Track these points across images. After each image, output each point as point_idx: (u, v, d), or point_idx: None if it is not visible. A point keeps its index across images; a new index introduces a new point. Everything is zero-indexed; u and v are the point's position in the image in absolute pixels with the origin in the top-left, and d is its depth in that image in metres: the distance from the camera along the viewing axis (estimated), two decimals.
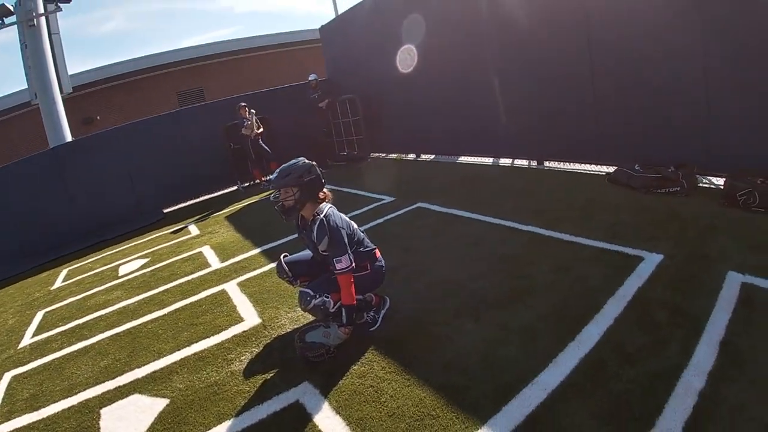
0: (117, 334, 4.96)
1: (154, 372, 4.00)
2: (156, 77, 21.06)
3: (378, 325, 3.95)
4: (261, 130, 11.47)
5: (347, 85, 12.66)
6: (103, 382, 4.03)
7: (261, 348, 4.04)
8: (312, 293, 3.60)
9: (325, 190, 3.89)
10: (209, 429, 3.15)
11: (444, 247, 5.42)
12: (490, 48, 8.36)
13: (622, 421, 2.47)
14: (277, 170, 3.75)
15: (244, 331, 4.38)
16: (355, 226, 3.96)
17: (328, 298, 3.61)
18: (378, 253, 4.01)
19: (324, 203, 3.82)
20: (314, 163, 3.85)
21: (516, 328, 3.52)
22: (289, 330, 4.24)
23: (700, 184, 5.61)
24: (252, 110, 11.30)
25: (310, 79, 12.32)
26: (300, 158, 3.85)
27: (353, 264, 3.63)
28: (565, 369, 2.95)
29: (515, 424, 2.63)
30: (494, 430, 2.63)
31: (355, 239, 3.84)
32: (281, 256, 4.10)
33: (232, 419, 3.20)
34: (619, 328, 3.23)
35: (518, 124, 8.23)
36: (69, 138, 12.72)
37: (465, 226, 5.90)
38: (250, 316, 4.66)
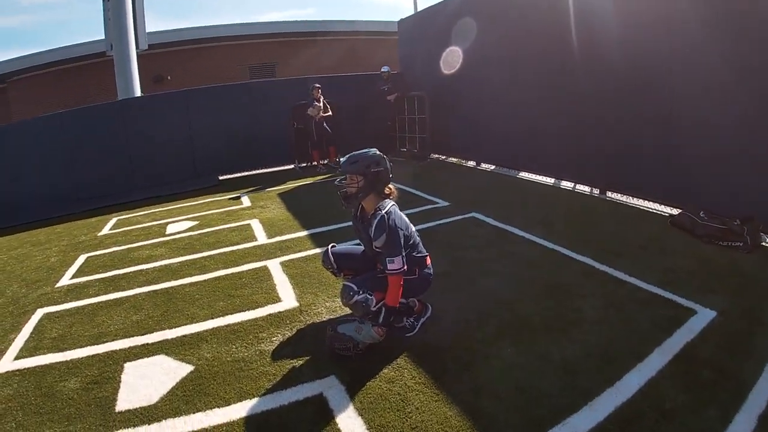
0: (154, 291, 4.96)
1: (184, 336, 3.96)
2: (229, 47, 21.27)
3: (415, 331, 3.80)
4: (329, 113, 11.43)
5: (417, 81, 12.48)
6: (132, 336, 4.02)
7: (293, 332, 3.94)
8: (356, 289, 3.47)
9: (391, 186, 3.79)
10: (229, 404, 3.07)
11: (493, 262, 5.20)
12: (567, 66, 8.06)
13: None
14: (348, 156, 3.67)
15: (279, 312, 4.30)
16: (413, 229, 3.83)
17: (371, 296, 3.48)
18: (429, 260, 3.88)
19: (388, 200, 3.70)
20: (385, 156, 3.73)
21: (557, 360, 3.34)
22: (325, 318, 4.14)
23: (764, 243, 5.29)
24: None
25: (383, 70, 12.22)
26: (372, 149, 3.74)
27: (405, 267, 3.50)
28: (599, 415, 2.77)
29: None
30: None
31: (411, 242, 3.71)
32: (329, 246, 3.99)
33: (253, 399, 3.10)
34: (661, 381, 3.04)
35: (585, 148, 7.91)
36: (138, 93, 12.95)
37: (518, 244, 5.68)
38: (287, 298, 4.58)
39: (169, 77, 20.05)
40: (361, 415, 2.92)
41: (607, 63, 7.28)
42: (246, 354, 3.63)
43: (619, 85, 7.13)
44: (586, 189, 8.18)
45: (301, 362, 3.50)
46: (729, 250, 5.10)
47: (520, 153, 9.56)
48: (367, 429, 2.81)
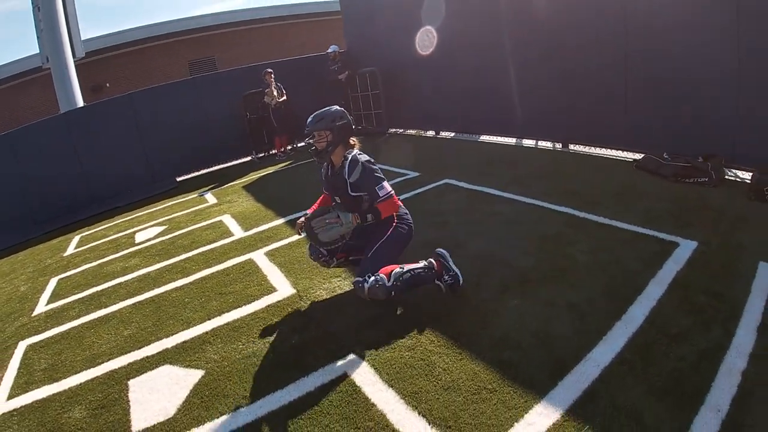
0: (139, 302, 4.72)
1: (185, 342, 3.77)
2: (167, 45, 20.59)
3: (461, 278, 3.76)
4: (284, 98, 11.18)
5: (367, 58, 12.30)
6: (129, 352, 3.81)
7: (298, 319, 3.82)
8: (362, 279, 3.46)
9: (354, 138, 3.97)
10: (252, 402, 2.93)
11: (479, 223, 5.24)
12: (518, 26, 8.11)
13: (675, 397, 2.48)
14: (312, 116, 3.84)
15: (278, 301, 4.16)
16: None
17: (378, 275, 3.44)
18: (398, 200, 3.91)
19: (353, 149, 3.88)
20: (344, 110, 3.91)
21: (563, 305, 3.45)
22: (327, 301, 4.04)
23: (726, 177, 5.58)
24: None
25: (330, 50, 11.96)
26: (333, 106, 3.92)
27: (392, 191, 3.71)
28: (616, 347, 2.92)
29: (573, 398, 2.58)
30: (553, 404, 2.57)
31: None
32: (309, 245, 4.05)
33: (275, 392, 2.98)
34: (663, 309, 3.22)
35: (544, 105, 8.01)
36: (81, 103, 12.40)
37: (497, 204, 5.74)
38: (282, 286, 4.44)
39: (107, 84, 19.29)
40: (392, 386, 2.87)
41: (561, 15, 7.33)
42: (255, 348, 3.49)
43: (574, 38, 7.22)
44: (548, 145, 8.34)
45: (314, 346, 3.40)
46: (696, 186, 5.38)
47: (478, 117, 9.62)
48: (401, 398, 2.76)
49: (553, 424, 2.42)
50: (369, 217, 3.62)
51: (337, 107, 3.89)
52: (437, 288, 3.69)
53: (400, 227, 3.81)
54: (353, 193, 3.73)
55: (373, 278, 3.41)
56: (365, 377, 2.98)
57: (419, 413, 2.63)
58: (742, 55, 5.27)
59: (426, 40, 10.27)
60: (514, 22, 8.20)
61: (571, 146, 7.93)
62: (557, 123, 7.89)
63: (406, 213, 3.96)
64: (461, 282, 3.73)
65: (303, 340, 3.49)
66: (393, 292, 3.44)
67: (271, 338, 3.59)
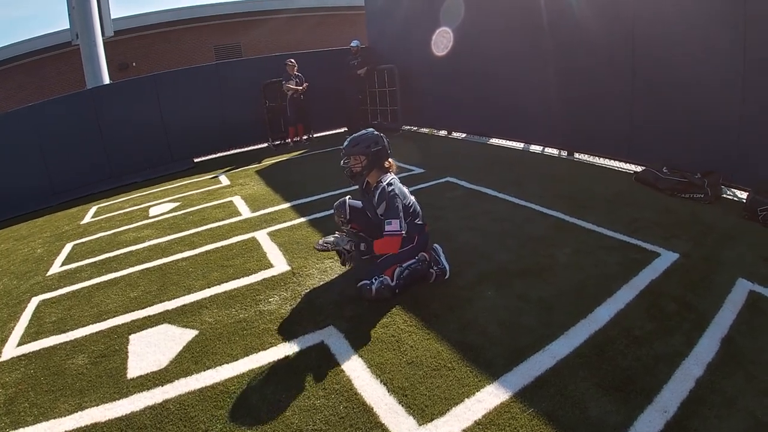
0: (147, 269, 5.08)
1: (184, 305, 4.12)
2: (194, 29, 20.96)
3: (448, 269, 4.11)
4: (303, 87, 11.35)
5: (387, 54, 12.52)
6: (133, 311, 4.16)
7: (289, 293, 4.13)
8: (368, 281, 3.76)
9: (390, 160, 4.17)
10: (236, 360, 3.25)
11: (471, 219, 5.50)
12: (532, 35, 8.27)
13: (624, 394, 2.62)
14: (349, 139, 4.08)
15: (273, 276, 4.49)
16: (413, 199, 4.17)
17: (383, 276, 3.77)
18: (426, 228, 4.21)
19: (388, 173, 4.11)
20: (382, 134, 4.14)
21: (534, 299, 3.68)
22: (317, 279, 4.34)
23: (724, 195, 5.68)
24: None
25: (352, 44, 12.15)
26: (369, 129, 4.17)
27: (403, 231, 3.84)
28: (575, 342, 3.11)
29: (524, 383, 2.79)
30: (504, 386, 2.78)
31: (411, 210, 4.04)
32: (347, 197, 4.44)
33: (258, 353, 3.30)
34: (630, 313, 3.37)
35: (552, 113, 8.17)
36: (107, 81, 12.78)
37: (492, 203, 5.98)
38: (279, 263, 4.76)
39: (134, 64, 19.73)
40: (361, 357, 3.16)
41: (573, 27, 7.49)
42: (246, 315, 3.82)
43: (586, 53, 7.37)
44: (554, 152, 8.52)
45: (299, 317, 3.72)
46: (691, 202, 5.47)
47: (489, 120, 9.81)
48: (368, 367, 3.05)
49: (501, 404, 2.64)
50: (362, 246, 3.96)
51: (374, 131, 4.13)
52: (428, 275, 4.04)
53: (414, 249, 4.02)
54: (382, 217, 3.94)
55: (378, 280, 3.74)
56: (339, 347, 3.28)
57: (381, 381, 2.91)
58: (747, 75, 5.35)
59: (442, 41, 10.50)
60: (527, 32, 8.38)
61: (576, 155, 8.09)
62: (564, 131, 8.06)
63: (426, 240, 4.19)
64: (447, 276, 4.07)
65: (290, 311, 3.82)
66: (397, 290, 3.79)
67: (262, 307, 3.91)
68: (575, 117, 7.75)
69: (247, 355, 3.29)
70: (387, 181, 3.97)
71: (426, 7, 10.97)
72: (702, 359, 2.83)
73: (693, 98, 5.95)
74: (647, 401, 2.55)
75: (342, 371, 3.04)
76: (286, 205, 6.72)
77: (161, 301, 4.25)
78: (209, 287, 4.41)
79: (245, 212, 6.68)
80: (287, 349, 3.31)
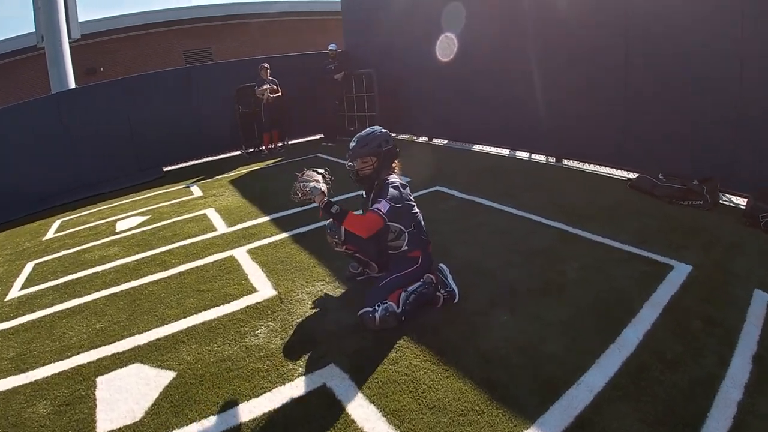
0: (114, 294, 4.55)
1: (158, 340, 3.61)
2: (164, 33, 20.36)
3: (457, 292, 3.73)
4: (278, 94, 10.98)
5: (365, 59, 12.16)
6: (100, 346, 3.63)
7: (278, 323, 3.67)
8: (371, 309, 3.36)
9: (397, 160, 3.86)
10: (224, 410, 2.78)
11: (468, 232, 5.18)
12: (518, 38, 8.07)
13: (669, 428, 2.41)
14: (356, 139, 3.70)
15: (257, 303, 4.01)
16: (417, 209, 3.85)
17: (387, 303, 3.39)
18: (429, 247, 3.89)
19: (393, 174, 3.77)
20: (388, 132, 3.82)
21: (554, 323, 3.37)
22: (308, 305, 3.89)
23: (721, 201, 5.59)
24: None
25: (330, 48, 11.78)
26: (375, 127, 3.80)
27: (387, 218, 3.50)
28: (609, 371, 2.83)
29: (565, 425, 2.47)
30: (545, 430, 2.46)
31: (416, 219, 3.76)
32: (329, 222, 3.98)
33: (250, 400, 2.83)
34: (657, 334, 3.15)
35: (539, 118, 7.95)
36: (73, 85, 12.14)
37: (488, 214, 5.68)
38: (263, 287, 4.29)
39: (101, 68, 19.01)
40: (373, 402, 2.73)
41: (560, 32, 7.31)
42: (231, 351, 3.34)
43: (571, 56, 7.20)
44: (541, 158, 8.32)
45: (293, 354, 3.26)
46: (690, 209, 5.34)
47: (472, 127, 9.56)
48: (383, 415, 2.63)
49: None
50: (334, 209, 3.52)
51: (381, 129, 3.77)
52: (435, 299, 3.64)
53: (418, 270, 3.68)
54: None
55: (382, 307, 3.34)
56: (345, 390, 2.84)
57: None
58: (745, 81, 5.24)
59: (430, 44, 10.14)
60: (513, 37, 8.16)
61: (565, 161, 7.89)
62: (552, 137, 7.85)
63: (431, 261, 3.86)
64: (456, 299, 3.69)
65: (282, 346, 3.35)
66: (403, 318, 3.38)
67: (248, 342, 3.44)
68: (564, 123, 7.54)
69: (237, 404, 2.81)
70: (390, 181, 3.65)
71: (406, 11, 10.66)
72: (738, 381, 2.67)
73: (687, 103, 5.85)
74: None
75: (353, 422, 2.60)
76: (265, 219, 6.25)
77: (131, 334, 3.73)
78: (185, 317, 3.91)
79: (221, 227, 6.18)
80: (284, 395, 2.85)
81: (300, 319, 3.68)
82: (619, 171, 6.98)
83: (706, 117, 5.67)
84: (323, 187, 3.63)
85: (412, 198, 3.77)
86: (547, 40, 7.53)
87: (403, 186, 3.68)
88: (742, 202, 5.43)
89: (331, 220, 3.71)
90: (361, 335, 3.36)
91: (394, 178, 3.68)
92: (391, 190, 3.54)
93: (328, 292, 4.05)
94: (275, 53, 14.13)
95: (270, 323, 3.66)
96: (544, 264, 4.26)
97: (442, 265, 3.93)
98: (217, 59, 19.94)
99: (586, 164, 7.55)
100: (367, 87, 11.72)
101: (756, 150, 5.28)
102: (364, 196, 3.91)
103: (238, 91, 11.32)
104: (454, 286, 3.73)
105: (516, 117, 8.43)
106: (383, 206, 3.46)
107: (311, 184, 3.62)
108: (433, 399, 2.72)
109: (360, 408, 2.68)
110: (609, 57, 6.65)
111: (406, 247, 3.58)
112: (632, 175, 6.51)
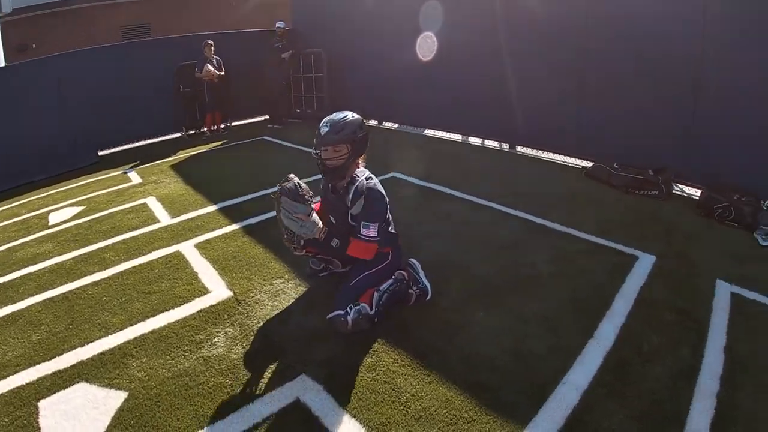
0: (51, 299, 4.07)
1: (103, 354, 3.21)
2: (98, 8, 19.09)
3: (430, 289, 3.53)
4: (222, 73, 10.45)
5: (313, 37, 11.66)
6: (38, 363, 3.20)
7: (237, 329, 3.36)
8: (342, 312, 3.11)
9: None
10: None
11: (433, 223, 5.02)
12: (475, 20, 7.91)
13: (656, 422, 2.43)
14: (327, 124, 3.22)
15: (212, 306, 3.66)
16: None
17: (359, 304, 3.14)
18: (399, 240, 3.65)
19: (361, 166, 3.43)
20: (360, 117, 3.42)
21: (533, 319, 3.30)
22: (269, 307, 3.60)
23: (675, 191, 5.73)
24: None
25: (277, 26, 11.24)
26: (345, 111, 3.35)
27: (379, 237, 3.24)
28: (592, 367, 2.80)
29: (558, 427, 2.42)
30: None
31: (387, 216, 3.42)
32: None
33: (216, 422, 2.53)
34: (633, 326, 3.17)
35: (492, 103, 7.84)
36: (2, 63, 11.16)
37: (450, 203, 5.55)
38: (216, 287, 3.94)
39: (33, 45, 17.71)
40: (354, 416, 2.52)
41: (522, 16, 7.19)
42: (187, 365, 3.02)
43: (529, 35, 7.11)
44: (495, 144, 8.30)
45: (258, 364, 2.98)
46: (646, 199, 5.48)
47: (425, 111, 9.38)
48: (368, 431, 2.42)
49: None
50: (334, 243, 3.18)
51: (353, 114, 3.36)
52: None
53: (387, 267, 3.44)
54: (352, 222, 3.30)
55: (355, 309, 3.09)
56: (322, 404, 2.60)
57: None
58: (701, 73, 5.35)
59: (382, 24, 9.84)
60: (470, 18, 7.98)
61: (518, 148, 7.86)
62: (505, 123, 7.76)
63: (400, 254, 3.64)
64: (429, 296, 3.49)
65: (244, 355, 3.06)
66: (376, 319, 3.16)
67: (206, 352, 3.12)
68: (519, 109, 7.46)
69: (201, 427, 2.51)
70: (366, 176, 3.33)
71: None
72: (714, 372, 2.73)
73: (646, 92, 5.87)
74: (680, 427, 2.39)
75: None
76: (212, 208, 5.86)
77: (72, 347, 3.33)
78: (131, 324, 3.53)
79: (164, 218, 5.75)
80: (254, 414, 2.56)
81: (260, 323, 3.39)
82: (573, 159, 6.99)
83: (664, 107, 5.72)
84: (315, 218, 3.15)
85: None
86: (506, 19, 7.40)
87: (369, 179, 3.36)
88: (694, 192, 5.58)
89: (285, 219, 3.16)
90: (331, 340, 3.12)
91: (371, 177, 3.37)
92: (376, 205, 3.25)
93: (288, 291, 3.78)
94: (220, 30, 13.45)
95: (228, 329, 3.35)
96: (514, 256, 4.18)
97: (413, 260, 3.71)
98: (155, 35, 18.92)
99: (540, 151, 7.54)
100: (316, 67, 11.30)
101: (706, 140, 5.41)
102: (328, 185, 3.49)
103: (178, 70, 10.67)
104: (426, 282, 3.53)
105: (468, 102, 8.29)
106: (372, 232, 3.19)
107: (300, 222, 3.11)
108: (419, 408, 2.53)
109: (342, 424, 2.46)
110: (568, 43, 6.60)
111: (379, 239, 3.29)
112: (586, 164, 6.58)
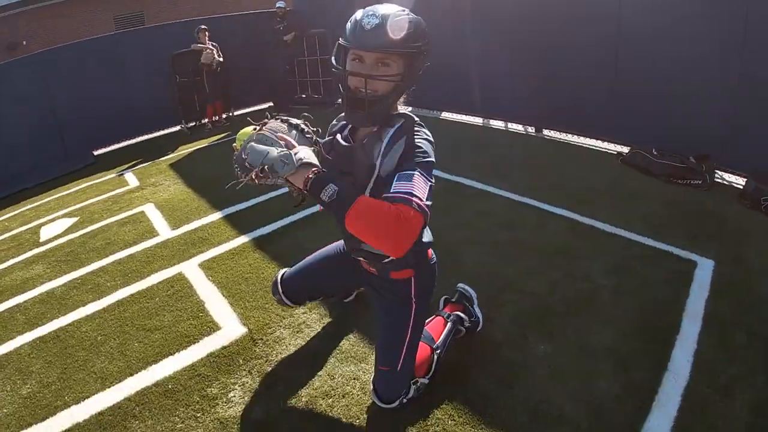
0: (41, 339, 3.58)
1: (101, 414, 2.73)
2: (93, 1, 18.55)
3: (481, 320, 2.97)
4: (221, 59, 9.87)
5: (317, 17, 10.90)
6: (30, 425, 2.73)
7: (255, 378, 2.86)
8: (398, 405, 2.40)
9: None
10: None
11: (468, 225, 4.49)
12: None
13: None
14: (374, 14, 1.82)
15: (223, 348, 3.15)
16: None
17: (417, 382, 2.47)
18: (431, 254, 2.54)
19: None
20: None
21: (600, 351, 2.82)
22: (291, 345, 3.10)
23: (717, 180, 5.25)
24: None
25: (277, 6, 10.59)
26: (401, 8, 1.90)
27: (430, 203, 1.83)
28: (671, 410, 2.41)
29: None
30: None
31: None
32: (278, 275, 2.87)
33: None
34: (705, 354, 2.75)
35: (518, 83, 7.25)
36: None
37: (483, 200, 5.01)
38: (227, 321, 3.43)
39: (24, 42, 17.14)
40: None
41: None
42: (201, 429, 2.53)
43: (556, 12, 6.52)
44: (519, 128, 7.71)
45: (286, 425, 2.49)
46: (689, 189, 5.01)
47: (441, 92, 8.59)
48: None
49: None
50: (329, 192, 1.79)
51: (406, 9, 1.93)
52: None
53: (429, 277, 2.45)
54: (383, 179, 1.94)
55: (413, 389, 2.44)
56: None
57: None
58: (745, 56, 4.86)
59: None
60: None
61: (545, 131, 7.30)
62: (532, 105, 7.18)
63: (435, 260, 2.51)
64: (480, 327, 2.95)
65: (268, 415, 2.57)
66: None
67: (221, 412, 2.63)
68: (547, 89, 6.87)
69: None
70: (405, 121, 2.02)
71: None
72: None
73: (688, 71, 5.37)
74: None
75: None
76: (217, 216, 5.34)
77: (66, 405, 2.84)
78: (131, 373, 3.03)
79: (163, 230, 5.23)
80: None
81: (283, 368, 2.90)
82: (606, 144, 6.47)
83: (706, 87, 5.25)
84: (303, 153, 1.89)
85: None
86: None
87: (414, 122, 2.05)
88: (735, 180, 5.16)
89: (256, 145, 1.94)
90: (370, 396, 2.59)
91: (413, 116, 2.07)
92: (423, 143, 1.94)
93: (312, 324, 3.27)
94: (216, 14, 12.83)
95: (245, 379, 2.86)
96: (567, 267, 3.68)
97: (465, 287, 3.03)
98: (150, 23, 18.29)
99: (569, 135, 6.99)
100: (321, 49, 10.66)
101: (754, 127, 4.92)
102: (344, 142, 2.14)
103: (173, 59, 10.06)
104: (479, 313, 2.96)
105: (489, 82, 7.72)
106: (419, 187, 1.79)
107: (282, 152, 1.88)
108: None
109: None
110: (601, 20, 6.05)
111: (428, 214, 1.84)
112: (620, 149, 6.10)
